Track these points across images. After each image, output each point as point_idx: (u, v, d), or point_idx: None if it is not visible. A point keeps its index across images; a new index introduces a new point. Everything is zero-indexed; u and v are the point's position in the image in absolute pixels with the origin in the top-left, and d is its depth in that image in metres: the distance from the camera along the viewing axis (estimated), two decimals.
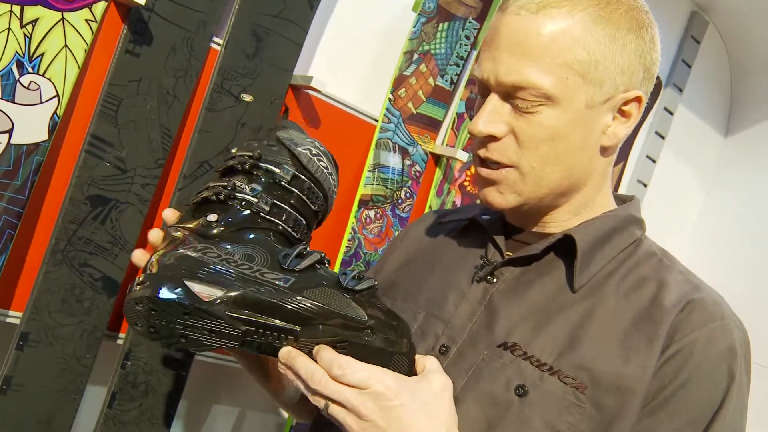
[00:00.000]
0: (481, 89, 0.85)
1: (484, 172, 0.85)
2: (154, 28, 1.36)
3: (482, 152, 0.84)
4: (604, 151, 0.87)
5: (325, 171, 0.87)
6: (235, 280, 0.73)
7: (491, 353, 0.83)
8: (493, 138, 0.83)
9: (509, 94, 0.81)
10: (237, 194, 0.81)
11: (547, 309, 0.84)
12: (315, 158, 0.86)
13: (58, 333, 1.32)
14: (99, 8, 1.31)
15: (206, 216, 0.81)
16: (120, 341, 1.44)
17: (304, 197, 0.85)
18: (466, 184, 1.93)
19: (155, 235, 0.84)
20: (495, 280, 0.88)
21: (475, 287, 0.89)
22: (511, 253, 0.90)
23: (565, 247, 0.86)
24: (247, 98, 1.49)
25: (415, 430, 0.72)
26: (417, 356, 0.79)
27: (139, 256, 0.85)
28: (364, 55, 1.80)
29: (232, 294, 0.72)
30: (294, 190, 0.84)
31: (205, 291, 0.72)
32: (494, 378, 0.81)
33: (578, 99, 0.81)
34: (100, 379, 1.43)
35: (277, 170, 0.83)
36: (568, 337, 0.81)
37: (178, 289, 0.71)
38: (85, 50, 1.31)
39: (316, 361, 0.73)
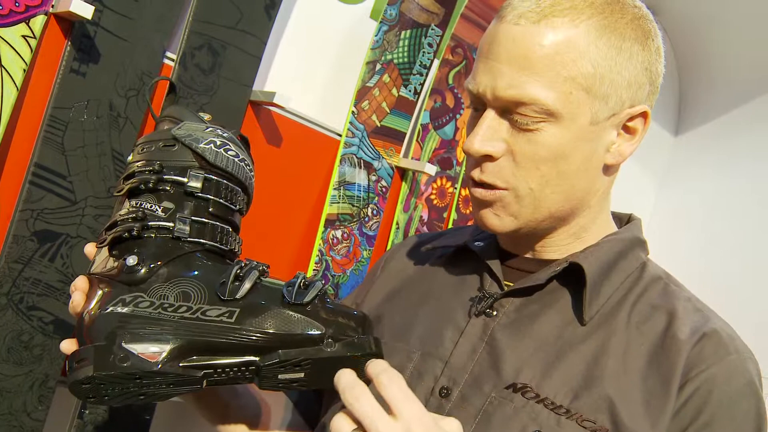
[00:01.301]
0: (476, 103, 0.79)
1: (478, 192, 0.79)
2: (101, 44, 1.24)
3: (476, 174, 0.78)
4: (607, 170, 0.81)
5: (236, 160, 0.76)
6: (178, 329, 0.67)
7: (499, 396, 0.76)
8: (488, 158, 0.76)
9: (508, 109, 0.75)
10: (150, 223, 0.72)
11: (557, 345, 0.78)
12: (222, 150, 0.75)
13: (4, 386, 1.18)
14: (38, 23, 1.19)
15: (125, 259, 0.71)
16: None
17: (222, 201, 0.75)
18: (432, 197, 1.86)
19: (82, 283, 0.73)
20: (495, 313, 0.82)
21: (474, 321, 0.82)
22: (510, 283, 0.83)
23: (571, 275, 0.80)
24: (205, 117, 1.38)
25: None
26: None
27: (76, 305, 0.74)
28: (324, 66, 1.71)
29: (178, 345, 0.67)
30: (209, 196, 0.74)
31: (149, 350, 0.66)
32: (506, 425, 0.74)
33: (582, 115, 0.75)
34: None
35: (185, 179, 0.73)
36: (582, 375, 0.75)
37: (121, 358, 0.65)
38: (24, 70, 1.18)
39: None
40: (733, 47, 2.67)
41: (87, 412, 1.28)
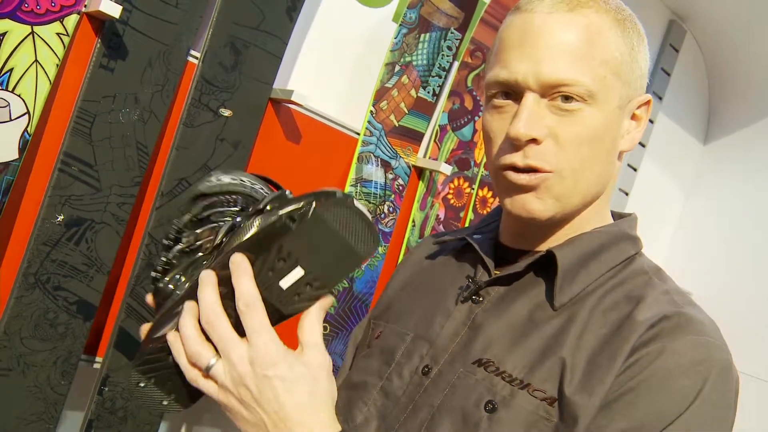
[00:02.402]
0: (506, 92, 0.80)
1: (523, 178, 0.79)
2: (129, 42, 1.32)
3: (518, 160, 0.79)
4: (620, 156, 0.86)
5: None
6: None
7: (466, 370, 0.80)
8: (533, 141, 0.78)
9: (548, 93, 0.78)
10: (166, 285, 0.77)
11: (525, 325, 0.81)
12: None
13: (30, 360, 1.26)
14: (71, 22, 1.27)
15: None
16: (97, 366, 1.38)
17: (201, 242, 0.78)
18: (449, 197, 1.90)
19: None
20: (481, 299, 0.85)
21: (460, 307, 0.86)
22: (498, 272, 0.87)
23: (548, 264, 0.83)
24: (226, 113, 1.45)
25: (288, 406, 0.69)
26: (301, 328, 0.73)
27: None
28: (344, 67, 1.76)
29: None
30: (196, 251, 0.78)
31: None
32: (467, 395, 0.78)
33: (613, 98, 0.79)
34: (77, 406, 1.38)
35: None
36: (540, 351, 0.78)
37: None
38: (57, 65, 1.26)
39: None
40: (764, 56, 2.65)
41: (106, 389, 1.36)
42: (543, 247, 0.86)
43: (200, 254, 0.75)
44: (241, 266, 0.69)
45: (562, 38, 0.77)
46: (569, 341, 0.77)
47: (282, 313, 0.71)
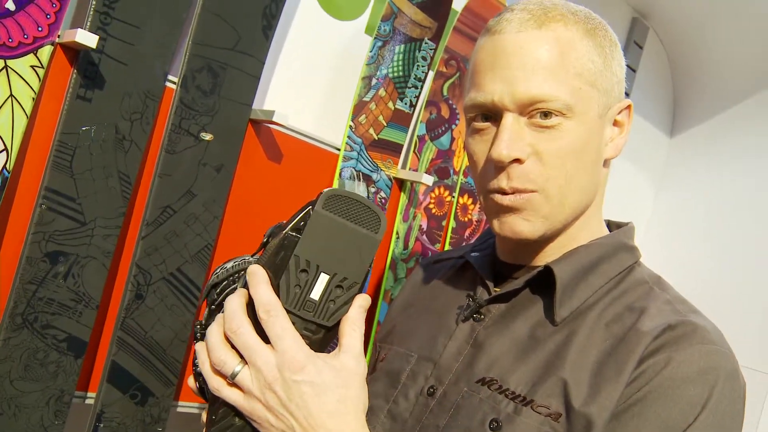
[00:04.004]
0: (485, 114, 0.81)
1: (508, 200, 0.80)
2: (106, 71, 1.29)
3: (503, 183, 0.79)
4: (605, 164, 0.86)
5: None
6: None
7: (470, 390, 0.81)
8: (516, 162, 0.79)
9: (526, 111, 0.78)
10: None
11: (527, 343, 0.81)
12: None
13: (22, 402, 1.23)
14: (45, 53, 1.24)
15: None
16: (90, 401, 1.35)
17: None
18: (431, 207, 1.91)
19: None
20: (482, 317, 0.86)
21: (462, 326, 0.87)
22: (498, 290, 0.87)
23: (547, 279, 0.83)
24: (207, 137, 1.43)
25: (316, 412, 0.67)
26: (340, 332, 0.71)
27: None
28: (321, 82, 1.76)
29: None
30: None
31: None
32: (471, 415, 0.79)
33: (592, 108, 0.80)
34: None
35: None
36: (543, 367, 0.78)
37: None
38: (33, 98, 1.23)
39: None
40: (725, 49, 2.71)
41: (102, 425, 1.33)
42: (540, 262, 0.87)
43: None
44: (256, 275, 0.68)
45: (534, 56, 0.77)
46: (571, 356, 0.77)
47: (326, 326, 0.69)
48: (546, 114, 0.77)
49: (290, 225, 0.69)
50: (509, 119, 0.78)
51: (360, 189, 1.73)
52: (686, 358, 0.73)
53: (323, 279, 0.68)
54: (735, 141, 2.79)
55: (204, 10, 1.41)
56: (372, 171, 1.76)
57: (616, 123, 0.85)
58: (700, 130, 2.92)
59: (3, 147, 1.20)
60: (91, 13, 1.27)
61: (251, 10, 1.47)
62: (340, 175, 1.68)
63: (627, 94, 2.60)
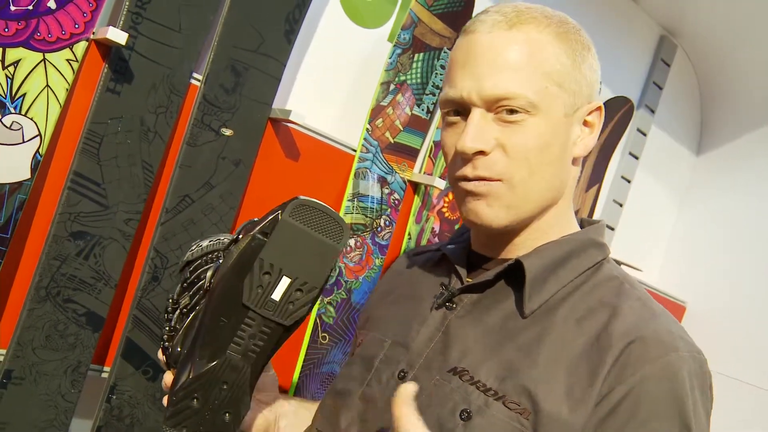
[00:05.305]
0: (457, 110, 0.86)
1: (472, 185, 0.85)
2: (135, 67, 1.39)
3: (469, 171, 0.85)
4: (574, 161, 0.90)
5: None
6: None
7: (442, 378, 0.84)
8: (480, 154, 0.84)
9: (492, 108, 0.83)
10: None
11: (499, 334, 0.85)
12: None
13: (42, 369, 1.33)
14: (80, 48, 1.34)
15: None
16: (105, 375, 1.45)
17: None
18: (444, 210, 1.97)
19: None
20: (455, 306, 0.90)
21: (435, 314, 0.91)
22: (470, 280, 0.91)
23: (518, 272, 0.87)
24: (227, 132, 1.52)
25: None
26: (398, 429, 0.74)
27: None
28: (341, 86, 1.84)
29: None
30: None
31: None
32: (442, 403, 0.82)
33: (557, 107, 0.84)
34: (86, 414, 1.44)
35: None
36: (514, 362, 0.81)
37: None
38: (67, 89, 1.33)
39: None
40: (754, 68, 2.71)
41: (114, 397, 1.42)
42: (511, 255, 0.90)
43: (198, 308, 0.81)
44: (404, 393, 0.74)
45: (503, 55, 0.82)
46: (544, 354, 0.81)
47: (284, 325, 0.76)
48: (511, 111, 0.82)
49: (258, 227, 0.76)
50: (476, 114, 0.83)
51: (375, 189, 1.80)
52: (652, 373, 0.77)
53: (285, 282, 0.75)
54: (763, 163, 2.78)
55: (230, 14, 1.50)
56: (387, 173, 1.82)
57: (586, 123, 0.89)
58: (728, 150, 2.91)
59: (37, 133, 1.31)
60: (125, 12, 1.37)
61: (275, 15, 1.56)
62: (355, 175, 1.76)
63: (651, 109, 2.61)
